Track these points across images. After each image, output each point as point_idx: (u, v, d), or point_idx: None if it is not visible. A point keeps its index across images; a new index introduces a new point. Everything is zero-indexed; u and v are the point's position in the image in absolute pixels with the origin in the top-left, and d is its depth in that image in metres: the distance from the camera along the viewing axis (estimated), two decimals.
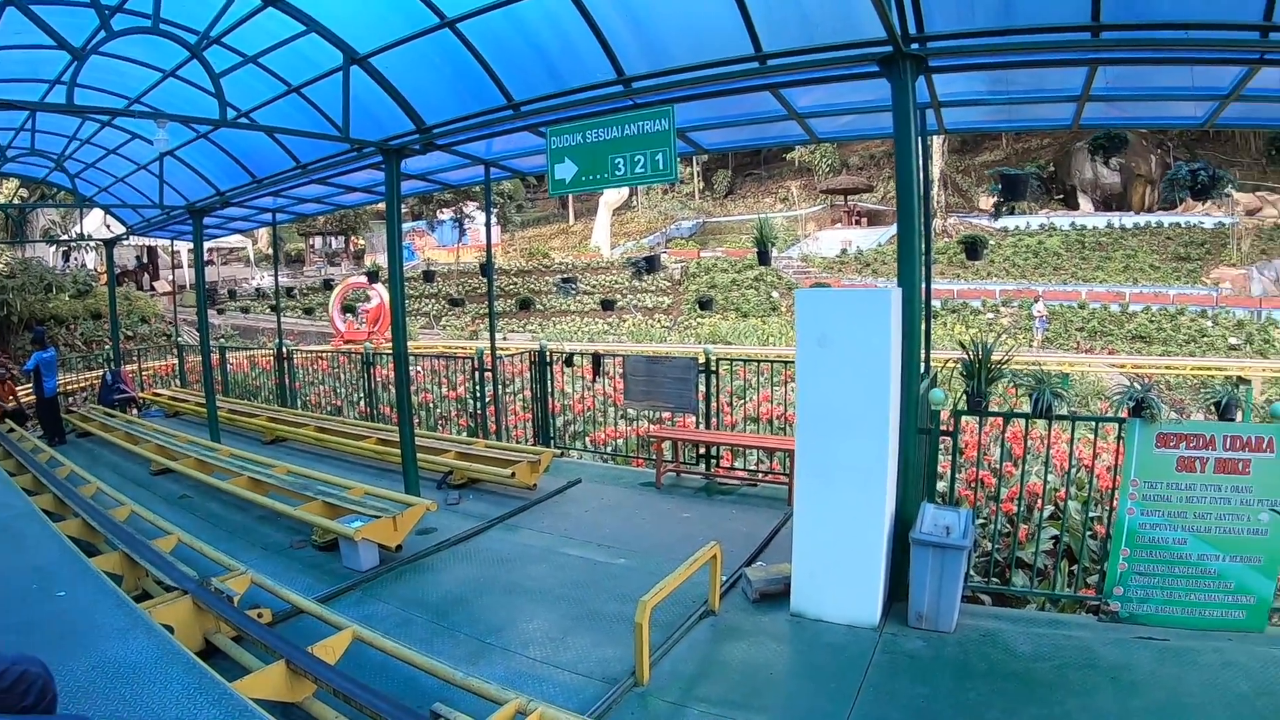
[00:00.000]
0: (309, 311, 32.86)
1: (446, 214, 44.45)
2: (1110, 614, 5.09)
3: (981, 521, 6.10)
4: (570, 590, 5.63)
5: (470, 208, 42.09)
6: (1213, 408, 5.14)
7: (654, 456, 8.44)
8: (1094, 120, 7.20)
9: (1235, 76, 5.74)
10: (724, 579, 5.38)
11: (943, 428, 5.45)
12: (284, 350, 14.15)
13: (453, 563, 6.28)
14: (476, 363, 10.15)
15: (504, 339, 27.37)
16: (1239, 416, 5.04)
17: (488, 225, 10.85)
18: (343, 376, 13.94)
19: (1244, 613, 4.92)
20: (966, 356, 5.43)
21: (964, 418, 5.66)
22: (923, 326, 5.88)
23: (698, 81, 6.03)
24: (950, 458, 5.44)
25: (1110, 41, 5.07)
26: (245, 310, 36.98)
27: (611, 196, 47.01)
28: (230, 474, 7.89)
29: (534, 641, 4.86)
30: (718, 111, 7.31)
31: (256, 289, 40.79)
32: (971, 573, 5.67)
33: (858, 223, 44.08)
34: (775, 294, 35.60)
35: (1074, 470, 6.94)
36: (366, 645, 4.31)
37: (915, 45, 5.17)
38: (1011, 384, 5.78)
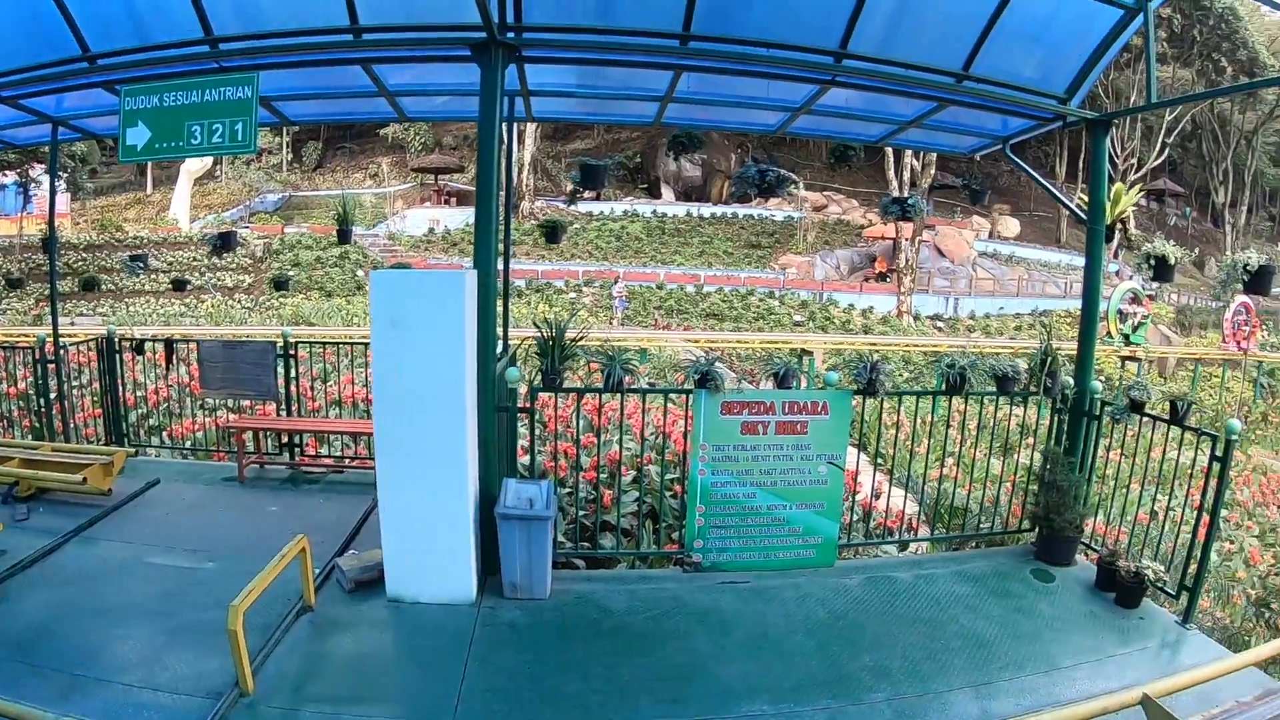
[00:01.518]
0: None
1: (9, 177, 37.30)
2: (694, 565, 5.70)
3: (568, 490, 6.47)
4: (160, 603, 5.03)
5: (38, 171, 35.45)
6: (773, 378, 5.87)
7: (235, 449, 7.82)
8: (676, 119, 7.76)
9: (808, 92, 6.55)
10: (317, 571, 5.16)
11: (521, 404, 5.63)
12: None
13: (29, 588, 5.28)
14: (39, 353, 8.66)
15: (71, 324, 23.67)
16: (802, 384, 5.83)
17: (52, 193, 9.16)
18: None
19: (814, 551, 5.82)
20: (542, 335, 5.66)
21: (541, 394, 5.93)
22: (500, 307, 6.04)
23: (290, 49, 5.60)
24: (530, 432, 5.66)
25: (697, 51, 5.54)
26: None
27: (194, 164, 41.48)
28: None
29: (129, 665, 4.29)
30: (308, 82, 6.83)
31: None
32: (562, 539, 6.01)
33: (447, 202, 43.72)
34: (360, 273, 34.48)
35: (653, 437, 7.60)
36: None
37: (511, 34, 5.26)
38: (590, 360, 6.14)
